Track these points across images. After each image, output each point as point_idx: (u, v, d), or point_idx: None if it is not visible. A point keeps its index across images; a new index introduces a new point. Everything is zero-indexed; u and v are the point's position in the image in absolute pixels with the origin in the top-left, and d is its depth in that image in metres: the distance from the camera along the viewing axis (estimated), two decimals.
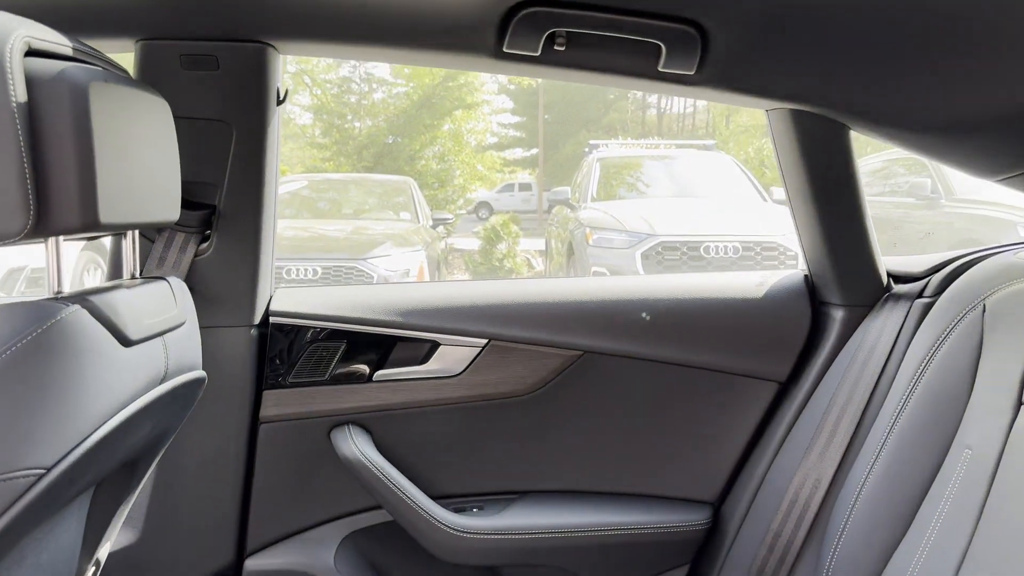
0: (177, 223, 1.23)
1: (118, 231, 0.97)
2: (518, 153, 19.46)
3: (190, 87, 1.23)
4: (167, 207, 0.93)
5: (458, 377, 1.39)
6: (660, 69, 1.15)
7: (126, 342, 0.81)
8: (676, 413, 1.45)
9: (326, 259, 5.26)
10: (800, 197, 1.38)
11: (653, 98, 22.15)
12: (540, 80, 15.15)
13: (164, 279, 0.97)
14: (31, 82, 0.70)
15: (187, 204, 1.21)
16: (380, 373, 1.39)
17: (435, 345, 1.39)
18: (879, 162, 6.79)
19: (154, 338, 0.88)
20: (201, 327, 1.06)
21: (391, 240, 5.74)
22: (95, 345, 0.76)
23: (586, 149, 8.30)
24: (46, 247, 0.78)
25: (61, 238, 0.78)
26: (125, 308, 0.82)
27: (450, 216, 7.86)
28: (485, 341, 1.39)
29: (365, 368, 1.38)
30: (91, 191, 0.74)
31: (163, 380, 0.91)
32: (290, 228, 6.08)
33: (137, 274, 0.99)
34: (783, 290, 1.46)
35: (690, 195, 6.98)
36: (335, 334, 1.37)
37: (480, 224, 9.95)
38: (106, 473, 0.93)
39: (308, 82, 12.12)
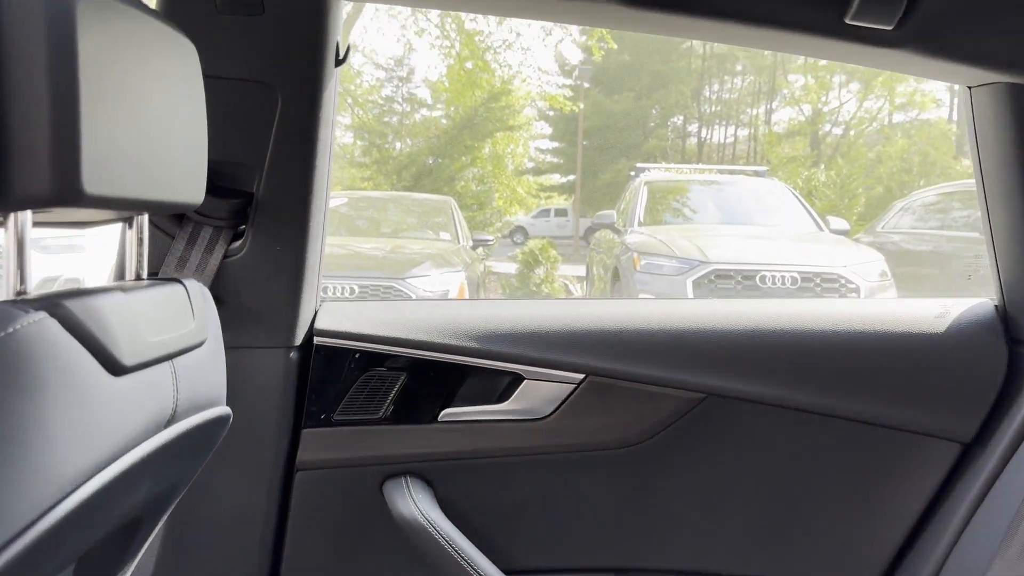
0: (203, 213, 1.03)
1: (122, 214, 0.74)
2: (555, 179, 19.61)
3: (226, 37, 1.02)
4: (187, 186, 0.71)
5: (546, 420, 1.19)
6: (848, 22, 0.95)
7: (116, 368, 0.59)
8: (825, 478, 1.23)
9: (364, 278, 5.23)
10: (1003, 200, 1.14)
11: (693, 126, 22.18)
12: (581, 105, 15.16)
13: (179, 281, 0.73)
14: None
15: (216, 190, 1.01)
16: (447, 412, 1.19)
17: (518, 379, 1.19)
18: (933, 196, 6.80)
19: (160, 362, 0.65)
20: (227, 348, 0.84)
21: (431, 260, 5.77)
22: (68, 371, 0.54)
23: (632, 172, 8.30)
24: (6, 227, 0.56)
25: (29, 215, 0.56)
26: (118, 319, 0.60)
27: (491, 238, 7.90)
28: (582, 376, 1.19)
29: (430, 405, 1.19)
30: (71, 148, 0.53)
31: (170, 422, 0.68)
32: (326, 245, 6.05)
33: (143, 274, 0.74)
34: (968, 324, 1.22)
35: (743, 222, 6.98)
36: (393, 361, 1.18)
37: (516, 248, 10.00)
38: (88, 546, 0.70)
39: (350, 102, 12.33)
